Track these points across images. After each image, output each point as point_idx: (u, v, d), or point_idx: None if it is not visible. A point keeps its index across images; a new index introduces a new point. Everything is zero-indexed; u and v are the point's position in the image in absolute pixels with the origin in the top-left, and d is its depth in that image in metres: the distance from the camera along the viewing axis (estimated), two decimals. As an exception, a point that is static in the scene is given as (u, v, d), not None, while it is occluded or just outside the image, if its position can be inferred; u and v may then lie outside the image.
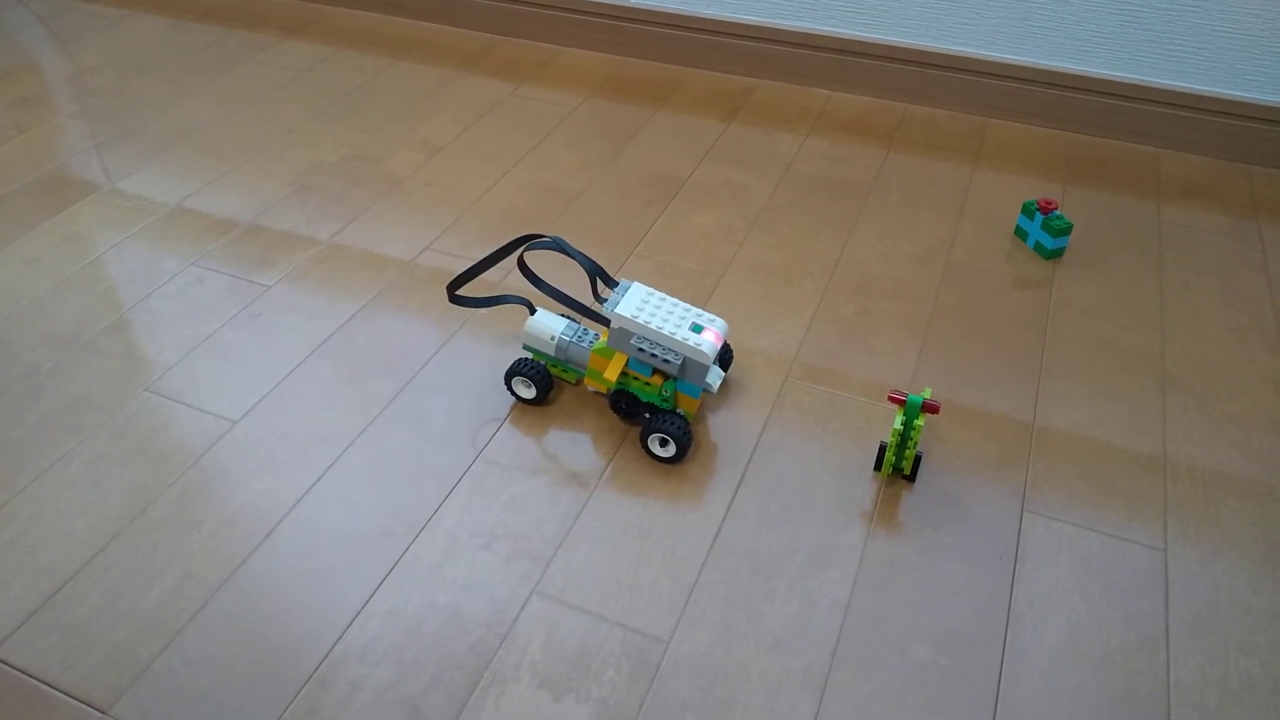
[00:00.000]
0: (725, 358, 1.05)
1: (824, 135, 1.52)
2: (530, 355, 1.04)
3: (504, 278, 1.21)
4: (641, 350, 0.93)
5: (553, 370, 1.04)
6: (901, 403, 0.89)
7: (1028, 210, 1.25)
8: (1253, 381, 1.07)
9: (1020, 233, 1.28)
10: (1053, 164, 1.45)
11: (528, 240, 0.98)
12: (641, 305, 0.94)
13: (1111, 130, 1.50)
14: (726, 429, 1.01)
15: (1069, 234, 1.23)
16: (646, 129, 1.53)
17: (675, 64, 1.72)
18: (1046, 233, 1.23)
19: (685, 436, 0.94)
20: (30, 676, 0.79)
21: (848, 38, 1.58)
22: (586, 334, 1.01)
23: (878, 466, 0.95)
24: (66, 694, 0.77)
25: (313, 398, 1.04)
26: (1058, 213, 1.23)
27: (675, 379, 0.95)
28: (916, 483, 0.95)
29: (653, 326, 0.92)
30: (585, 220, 1.32)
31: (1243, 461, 0.97)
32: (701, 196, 1.37)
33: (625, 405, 0.98)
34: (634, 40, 1.72)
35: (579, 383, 1.06)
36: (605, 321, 0.95)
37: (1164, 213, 1.34)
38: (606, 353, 0.97)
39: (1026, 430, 1.01)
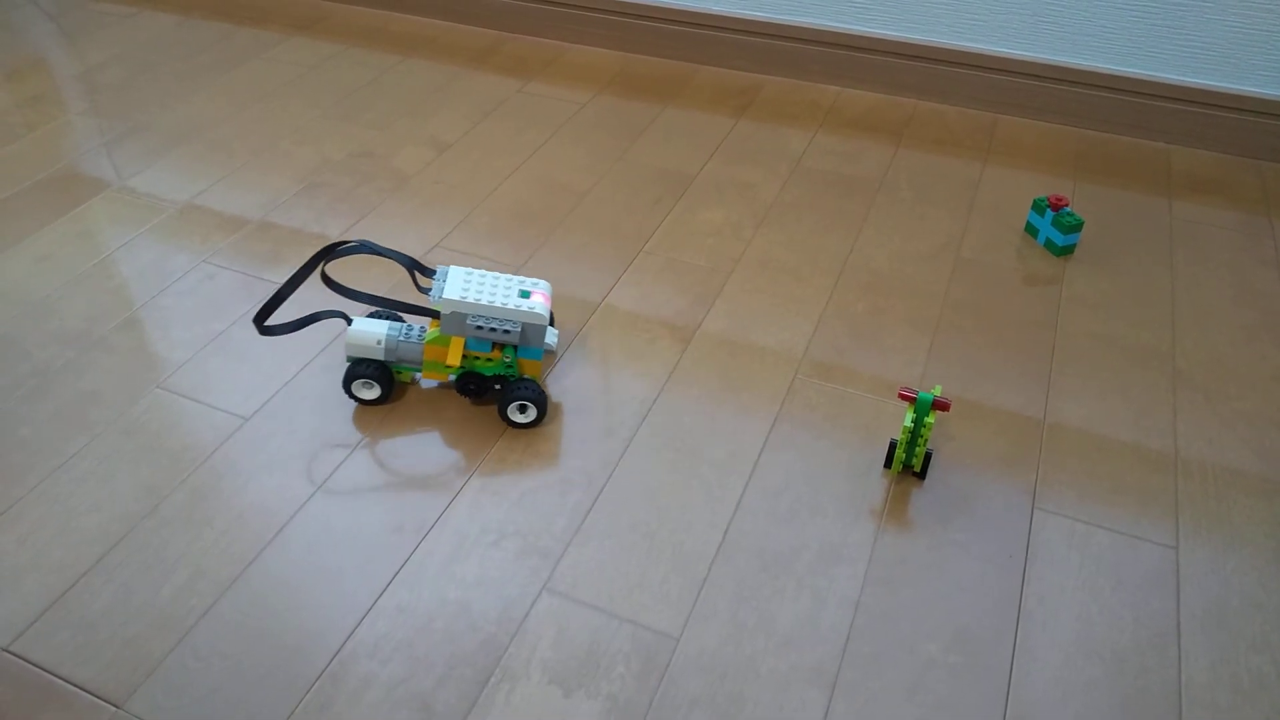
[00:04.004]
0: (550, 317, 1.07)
1: (833, 132, 1.52)
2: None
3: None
4: (480, 328, 0.94)
5: None
6: (912, 400, 0.89)
7: (1038, 206, 1.25)
8: (1264, 378, 1.06)
9: (1031, 229, 1.28)
10: (1063, 160, 1.45)
11: (330, 251, 0.95)
12: (465, 286, 0.95)
13: (1122, 126, 1.50)
14: (735, 426, 1.01)
15: (1080, 230, 1.22)
16: (655, 126, 1.53)
17: (683, 60, 1.72)
18: (1057, 229, 1.23)
19: (541, 397, 0.98)
20: (45, 671, 0.79)
21: (856, 33, 1.58)
22: (412, 329, 1.01)
23: (888, 464, 0.95)
24: (81, 688, 0.78)
25: (323, 395, 1.04)
26: (1068, 209, 1.23)
27: (516, 347, 0.97)
28: (927, 480, 0.95)
29: (484, 302, 0.94)
30: (593, 217, 1.32)
31: (1254, 459, 0.97)
32: (710, 193, 1.37)
33: (474, 385, 0.99)
34: (642, 37, 1.72)
35: (414, 380, 1.05)
36: (434, 311, 0.95)
37: (1175, 209, 1.34)
38: (442, 340, 0.97)
39: (1037, 427, 1.00)
